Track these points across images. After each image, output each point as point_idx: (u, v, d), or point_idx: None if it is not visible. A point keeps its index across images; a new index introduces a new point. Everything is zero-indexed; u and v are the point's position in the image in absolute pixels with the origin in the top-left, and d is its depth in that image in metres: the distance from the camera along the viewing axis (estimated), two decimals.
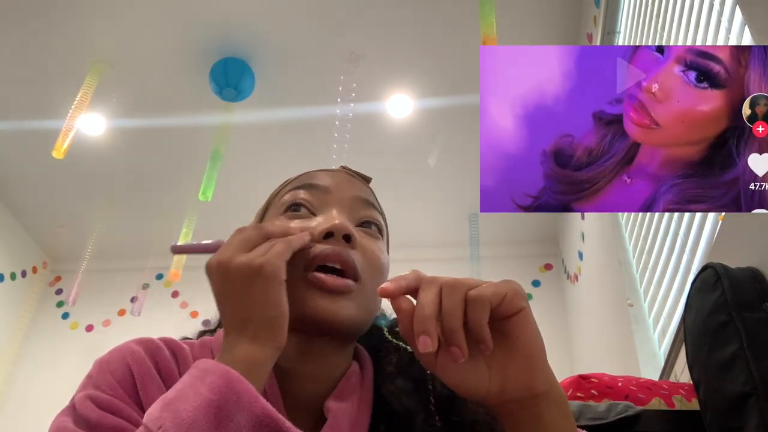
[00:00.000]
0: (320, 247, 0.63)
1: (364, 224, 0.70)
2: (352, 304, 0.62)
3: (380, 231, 0.71)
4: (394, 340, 0.70)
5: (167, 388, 0.56)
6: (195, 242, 0.67)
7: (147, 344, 0.62)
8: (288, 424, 0.50)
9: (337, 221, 0.64)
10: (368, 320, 0.66)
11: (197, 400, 0.48)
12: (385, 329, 0.73)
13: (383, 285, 0.52)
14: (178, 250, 0.69)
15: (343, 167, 0.76)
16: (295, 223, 0.66)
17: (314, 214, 0.68)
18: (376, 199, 0.75)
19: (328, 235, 0.64)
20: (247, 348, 0.54)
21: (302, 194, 0.69)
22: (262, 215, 0.74)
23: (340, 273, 0.63)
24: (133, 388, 0.58)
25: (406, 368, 0.66)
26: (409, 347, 0.67)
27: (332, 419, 0.60)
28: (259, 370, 0.53)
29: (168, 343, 0.64)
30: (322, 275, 0.62)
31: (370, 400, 0.66)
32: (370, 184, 0.76)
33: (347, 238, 0.64)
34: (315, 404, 0.63)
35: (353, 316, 0.62)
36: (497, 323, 0.51)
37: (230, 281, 0.56)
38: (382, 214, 0.74)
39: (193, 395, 0.49)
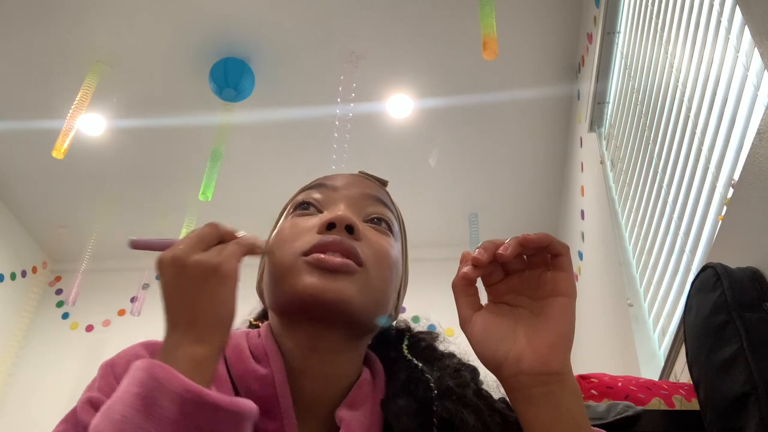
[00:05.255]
0: (320, 237, 0.63)
1: (373, 220, 0.69)
2: (353, 286, 0.60)
3: (390, 228, 0.70)
4: (408, 355, 0.69)
5: None
6: (155, 238, 0.64)
7: (153, 347, 0.62)
8: (213, 395, 0.49)
9: (339, 212, 0.64)
10: (374, 312, 0.64)
11: (126, 398, 0.48)
12: (405, 342, 0.72)
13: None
14: (137, 245, 0.66)
15: (361, 172, 0.76)
16: (296, 221, 0.66)
17: (322, 212, 0.68)
18: (392, 201, 0.74)
19: (330, 226, 0.63)
20: (191, 348, 0.53)
21: (312, 193, 0.70)
22: (278, 219, 0.74)
23: None
24: None
25: (413, 387, 0.65)
26: (420, 363, 0.67)
27: (345, 429, 0.59)
28: (203, 367, 0.52)
29: None
30: (320, 254, 0.61)
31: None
32: (389, 188, 0.76)
33: (350, 230, 0.63)
34: (325, 411, 0.62)
35: (355, 298, 0.60)
36: (543, 302, 0.56)
37: (185, 277, 0.55)
38: (395, 213, 0.74)
39: (123, 394, 0.49)
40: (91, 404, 0.56)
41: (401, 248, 0.73)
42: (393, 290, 0.68)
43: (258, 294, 0.74)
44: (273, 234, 0.70)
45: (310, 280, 0.59)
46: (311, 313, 0.61)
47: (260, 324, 0.72)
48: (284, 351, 0.63)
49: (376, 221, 0.69)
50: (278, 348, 0.63)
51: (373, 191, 0.72)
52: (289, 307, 0.62)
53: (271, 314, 0.68)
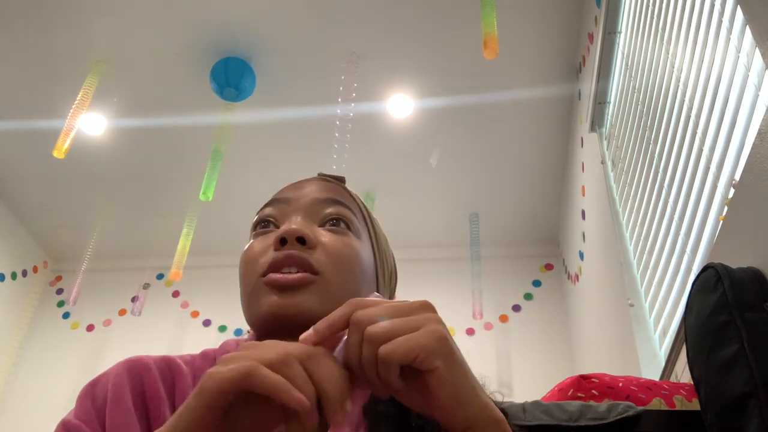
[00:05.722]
0: (274, 254, 0.65)
1: (330, 221, 0.70)
2: (312, 296, 0.62)
3: (349, 226, 0.71)
4: None
5: (152, 409, 0.58)
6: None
7: (134, 367, 0.62)
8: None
9: (289, 226, 0.66)
10: None
11: None
12: None
13: (303, 336, 0.47)
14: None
15: (319, 174, 0.78)
16: (258, 241, 0.69)
17: (277, 226, 0.70)
18: (351, 196, 0.76)
19: (283, 241, 0.65)
20: None
21: (268, 211, 0.72)
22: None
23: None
24: (102, 416, 0.58)
25: None
26: None
27: (335, 427, 0.59)
28: None
29: (161, 362, 0.64)
30: (273, 274, 0.63)
31: None
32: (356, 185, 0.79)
33: (302, 241, 0.65)
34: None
35: (315, 307, 0.62)
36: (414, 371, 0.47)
37: None
38: (357, 207, 0.74)
39: None
40: (65, 428, 0.57)
41: (370, 239, 0.74)
42: (364, 285, 0.69)
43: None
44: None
45: (269, 301, 0.62)
46: (280, 330, 0.62)
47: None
48: None
49: (334, 222, 0.70)
50: None
51: (325, 193, 0.73)
52: (260, 327, 0.64)
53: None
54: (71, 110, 2.95)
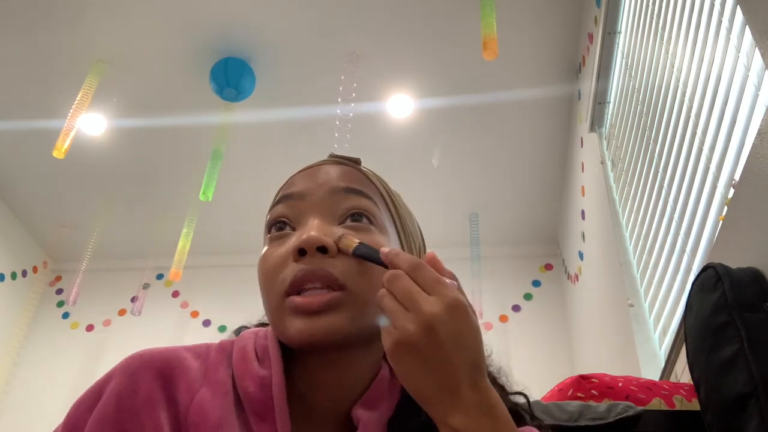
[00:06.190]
0: (294, 269, 0.60)
1: (350, 217, 0.64)
2: (340, 316, 0.58)
3: (371, 219, 0.65)
4: None
5: (145, 413, 0.55)
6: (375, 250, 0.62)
7: (126, 374, 0.58)
8: None
9: (305, 236, 0.60)
10: (371, 320, 0.60)
11: None
12: None
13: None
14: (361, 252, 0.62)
15: (330, 155, 0.71)
16: (274, 248, 0.63)
17: (295, 228, 0.64)
18: (368, 179, 0.69)
19: (301, 252, 0.60)
20: None
21: (280, 209, 0.65)
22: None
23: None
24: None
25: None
26: None
27: (363, 430, 0.59)
28: None
29: (159, 361, 0.60)
30: (297, 298, 0.59)
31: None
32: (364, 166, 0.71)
33: (323, 250, 0.60)
34: (342, 409, 0.62)
35: (345, 328, 0.58)
36: None
37: None
38: (373, 195, 0.67)
39: None
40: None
41: (395, 227, 0.69)
42: None
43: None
44: (258, 264, 0.66)
45: (295, 326, 0.58)
46: (308, 351, 0.61)
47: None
48: (303, 368, 0.63)
49: (355, 217, 0.64)
50: (279, 348, 0.62)
51: (342, 182, 0.66)
52: (288, 344, 0.61)
53: None
54: (71, 110, 2.95)
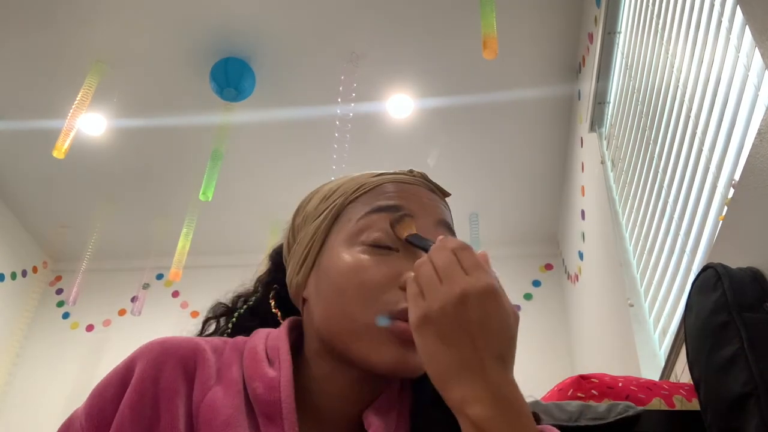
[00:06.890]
0: (404, 301, 0.58)
1: None
2: None
3: None
4: None
5: (165, 402, 0.56)
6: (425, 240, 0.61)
7: (151, 360, 0.59)
8: None
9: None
10: None
11: None
12: None
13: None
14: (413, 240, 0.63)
15: (420, 174, 0.72)
16: (375, 264, 0.61)
17: (398, 250, 0.63)
18: (451, 218, 0.70)
19: None
20: None
21: (383, 225, 0.63)
22: (330, 225, 0.67)
23: None
24: (111, 416, 0.57)
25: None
26: None
27: None
28: None
29: (185, 349, 0.61)
30: (404, 325, 0.57)
31: (408, 416, 0.64)
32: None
33: None
34: (353, 413, 0.62)
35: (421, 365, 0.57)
36: None
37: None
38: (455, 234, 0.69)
39: None
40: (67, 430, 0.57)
41: None
42: None
43: (293, 298, 0.70)
44: (339, 263, 0.63)
45: (391, 353, 0.58)
46: (377, 375, 0.60)
47: (278, 313, 0.71)
48: (315, 371, 0.63)
49: None
50: (289, 350, 0.62)
51: (444, 216, 0.68)
52: (353, 362, 0.60)
53: (308, 331, 0.66)
54: (71, 110, 2.95)
